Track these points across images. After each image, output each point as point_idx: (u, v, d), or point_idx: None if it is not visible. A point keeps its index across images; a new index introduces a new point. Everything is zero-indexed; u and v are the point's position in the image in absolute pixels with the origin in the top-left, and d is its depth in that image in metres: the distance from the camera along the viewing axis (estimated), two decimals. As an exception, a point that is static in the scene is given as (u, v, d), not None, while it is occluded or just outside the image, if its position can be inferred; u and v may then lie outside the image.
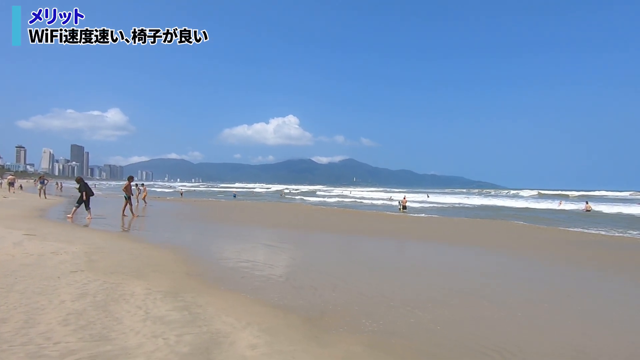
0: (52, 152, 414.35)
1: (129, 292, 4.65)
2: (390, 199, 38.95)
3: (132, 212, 14.67)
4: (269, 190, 73.02)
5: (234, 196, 42.11)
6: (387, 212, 22.53)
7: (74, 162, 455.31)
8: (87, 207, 13.09)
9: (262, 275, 5.98)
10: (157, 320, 3.75)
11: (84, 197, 13.03)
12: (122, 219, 13.72)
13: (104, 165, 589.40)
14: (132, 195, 15.32)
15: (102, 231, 10.35)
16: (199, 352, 3.13)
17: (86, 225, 11.59)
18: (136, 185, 24.77)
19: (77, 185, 13.32)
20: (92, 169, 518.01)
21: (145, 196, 23.05)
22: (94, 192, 14.50)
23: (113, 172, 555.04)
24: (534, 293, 5.64)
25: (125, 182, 15.39)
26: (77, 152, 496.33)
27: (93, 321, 3.64)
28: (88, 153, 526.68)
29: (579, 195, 55.66)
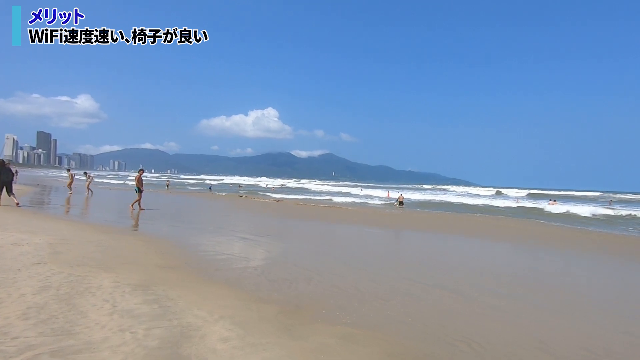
0: (15, 138, 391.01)
1: (96, 285, 4.48)
2: (361, 190, 46.00)
3: (139, 206, 14.10)
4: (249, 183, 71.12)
5: (210, 188, 41.46)
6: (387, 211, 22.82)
7: (40, 150, 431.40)
8: (9, 192, 12.43)
9: (237, 268, 5.91)
10: (125, 314, 3.63)
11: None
12: (131, 212, 13.34)
13: (73, 153, 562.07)
14: (142, 189, 14.57)
15: (68, 221, 9.90)
16: (167, 346, 3.05)
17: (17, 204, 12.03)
18: (85, 173, 24.19)
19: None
20: (60, 158, 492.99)
21: (89, 184, 22.20)
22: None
23: (83, 161, 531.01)
24: (500, 286, 5.86)
25: (136, 174, 14.80)
26: (44, 139, 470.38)
27: (55, 315, 3.48)
28: (56, 140, 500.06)
29: (548, 195, 58.14)
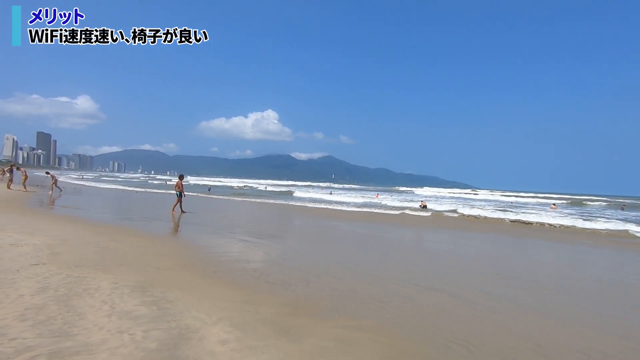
0: (15, 138, 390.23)
1: (94, 286, 4.49)
2: (330, 193, 42.87)
3: (180, 209, 14.75)
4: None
5: (209, 189, 41.55)
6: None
7: (39, 151, 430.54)
8: None
9: (235, 270, 5.93)
10: (124, 316, 3.65)
11: None
12: (172, 216, 13.63)
13: (73, 154, 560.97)
14: (184, 193, 15.47)
15: (67, 223, 9.89)
16: (166, 348, 3.07)
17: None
18: (46, 172, 24.60)
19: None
20: (60, 158, 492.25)
21: (54, 183, 22.26)
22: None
23: (82, 162, 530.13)
24: (495, 288, 5.88)
25: (176, 180, 15.62)
26: (44, 139, 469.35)
27: (53, 316, 3.50)
28: (55, 141, 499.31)
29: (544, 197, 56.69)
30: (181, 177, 15.83)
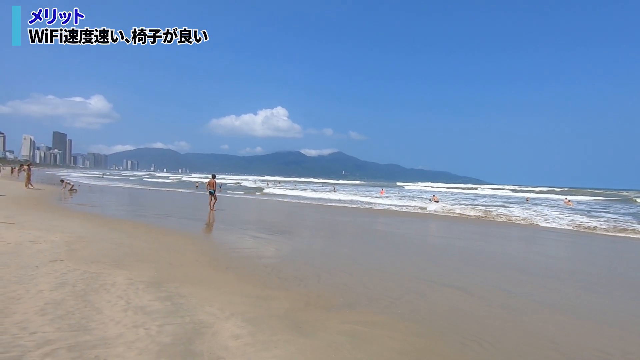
0: (32, 138, 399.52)
1: (110, 282, 4.58)
2: (334, 190, 42.80)
3: (210, 207, 15.38)
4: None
5: (220, 187, 42.14)
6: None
7: (56, 150, 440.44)
8: None
9: (247, 266, 5.97)
10: (139, 311, 3.71)
11: None
12: (212, 213, 14.11)
13: (88, 153, 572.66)
14: (216, 191, 16.04)
15: (83, 220, 10.11)
16: (180, 342, 3.11)
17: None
18: (61, 180, 25.45)
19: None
20: (75, 158, 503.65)
21: (65, 187, 22.82)
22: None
23: (97, 161, 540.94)
24: (509, 284, 5.78)
25: (209, 179, 16.29)
26: (60, 139, 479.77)
27: (72, 311, 3.58)
28: (71, 141, 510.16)
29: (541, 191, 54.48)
30: (213, 176, 16.53)
